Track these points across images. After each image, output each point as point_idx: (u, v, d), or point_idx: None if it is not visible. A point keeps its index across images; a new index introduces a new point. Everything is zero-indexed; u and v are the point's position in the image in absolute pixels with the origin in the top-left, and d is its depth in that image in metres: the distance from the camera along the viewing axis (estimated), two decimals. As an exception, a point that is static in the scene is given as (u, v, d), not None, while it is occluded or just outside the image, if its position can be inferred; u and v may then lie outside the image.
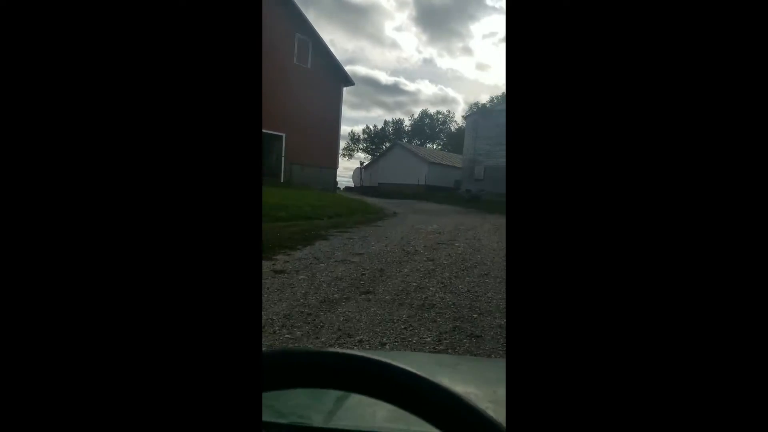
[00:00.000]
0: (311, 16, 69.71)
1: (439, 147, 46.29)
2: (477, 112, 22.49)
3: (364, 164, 30.16)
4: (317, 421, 0.56)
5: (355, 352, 0.32)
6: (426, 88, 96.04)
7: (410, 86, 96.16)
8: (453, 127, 55.41)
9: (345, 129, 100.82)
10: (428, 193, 22.46)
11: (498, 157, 20.40)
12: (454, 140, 45.24)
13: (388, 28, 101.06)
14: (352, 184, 29.52)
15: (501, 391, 0.62)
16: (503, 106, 21.90)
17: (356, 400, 0.57)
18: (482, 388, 0.72)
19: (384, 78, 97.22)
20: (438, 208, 15.32)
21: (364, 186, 27.23)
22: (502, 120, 21.17)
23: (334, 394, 0.59)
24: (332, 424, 0.55)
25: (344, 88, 18.37)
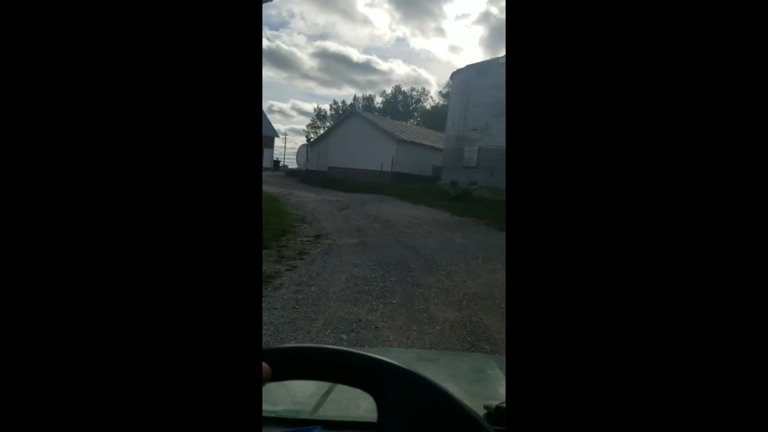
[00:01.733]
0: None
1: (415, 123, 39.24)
2: (469, 68, 15.57)
3: (311, 140, 22.60)
4: (305, 412, 0.61)
5: (342, 348, 0.36)
6: (399, 68, 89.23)
7: (383, 65, 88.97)
8: (428, 104, 49.00)
9: (311, 105, 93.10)
10: (396, 184, 15.71)
11: (499, 135, 13.64)
12: (430, 120, 38.67)
13: (360, 4, 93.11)
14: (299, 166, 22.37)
15: (476, 388, 0.72)
16: (504, 60, 15.10)
17: (339, 393, 0.64)
18: (460, 385, 0.74)
19: (356, 55, 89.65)
20: (410, 217, 8.56)
21: (309, 170, 20.22)
22: (503, 80, 14.43)
23: (321, 388, 0.66)
24: (319, 415, 0.60)
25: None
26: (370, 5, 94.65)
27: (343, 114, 21.26)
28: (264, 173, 21.05)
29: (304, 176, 19.08)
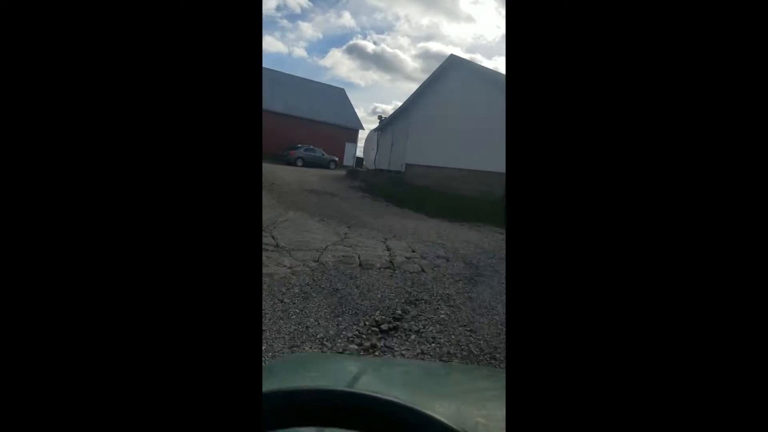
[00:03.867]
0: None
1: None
2: None
3: (384, 118, 14.18)
4: None
5: (338, 388, 0.33)
6: (504, 66, 77.66)
7: (487, 63, 79.71)
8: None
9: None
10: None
11: None
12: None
13: (465, 2, 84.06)
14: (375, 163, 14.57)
15: (491, 405, 0.65)
16: None
17: None
18: (475, 403, 0.71)
19: (460, 55, 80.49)
20: None
21: (378, 170, 12.34)
22: None
23: None
24: None
25: None
26: (475, 3, 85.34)
27: (437, 71, 12.23)
28: (314, 173, 13.90)
29: (366, 179, 11.33)
